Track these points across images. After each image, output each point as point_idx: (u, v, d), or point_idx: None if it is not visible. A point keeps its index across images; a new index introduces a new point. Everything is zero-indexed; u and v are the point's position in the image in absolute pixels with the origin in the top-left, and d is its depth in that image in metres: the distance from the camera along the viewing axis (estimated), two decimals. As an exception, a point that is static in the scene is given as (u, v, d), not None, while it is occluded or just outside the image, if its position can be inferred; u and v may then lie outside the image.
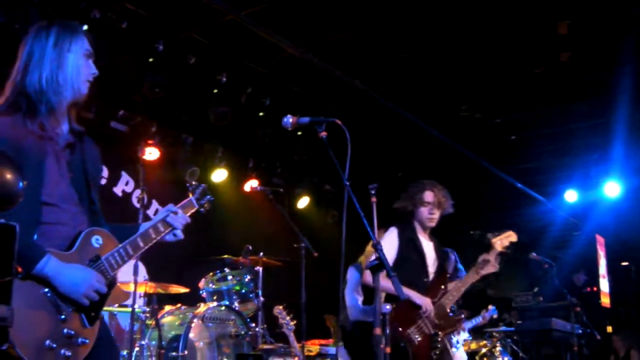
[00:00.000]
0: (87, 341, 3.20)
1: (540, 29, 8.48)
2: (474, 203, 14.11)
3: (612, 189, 12.86)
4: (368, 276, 6.25)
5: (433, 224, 6.72)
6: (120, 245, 3.45)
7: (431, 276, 6.56)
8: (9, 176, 2.65)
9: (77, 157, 3.47)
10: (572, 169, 13.01)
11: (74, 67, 3.43)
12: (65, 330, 3.11)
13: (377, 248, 3.83)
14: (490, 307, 9.44)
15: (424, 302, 6.26)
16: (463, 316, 6.69)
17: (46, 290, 3.10)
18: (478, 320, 9.06)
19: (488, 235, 6.76)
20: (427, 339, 6.24)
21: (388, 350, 5.18)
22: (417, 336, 6.18)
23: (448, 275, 6.71)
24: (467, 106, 10.84)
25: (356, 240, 6.83)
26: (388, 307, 5.49)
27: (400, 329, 6.10)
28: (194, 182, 4.01)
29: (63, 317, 3.12)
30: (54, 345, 3.04)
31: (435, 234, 6.86)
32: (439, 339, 6.26)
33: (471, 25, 8.43)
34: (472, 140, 11.86)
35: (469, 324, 8.92)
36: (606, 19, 8.26)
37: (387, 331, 5.43)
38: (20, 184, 2.70)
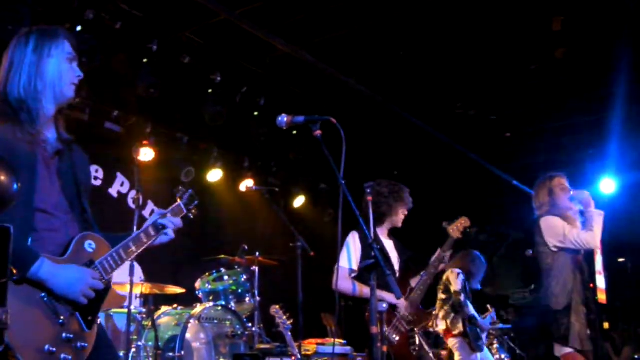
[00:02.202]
0: (86, 345, 3.20)
1: (534, 26, 8.48)
2: (469, 200, 14.11)
3: (608, 185, 12.86)
4: (339, 282, 6.23)
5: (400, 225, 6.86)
6: (113, 249, 3.44)
7: (397, 274, 6.62)
8: (3, 178, 2.63)
9: (66, 165, 3.45)
10: (567, 165, 13.00)
11: (55, 72, 3.42)
12: (64, 335, 3.10)
13: (373, 247, 3.83)
14: (491, 310, 9.41)
15: (398, 302, 6.30)
16: (433, 309, 6.82)
17: (43, 294, 3.08)
18: (489, 319, 9.06)
19: (443, 224, 6.86)
20: (404, 338, 6.29)
21: (385, 348, 5.20)
22: (394, 336, 6.22)
23: (412, 273, 6.80)
24: (461, 103, 10.84)
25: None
26: (385, 305, 5.51)
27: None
28: (180, 188, 4.01)
29: (61, 321, 3.11)
30: (54, 350, 3.02)
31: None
32: (415, 335, 6.33)
33: (466, 22, 8.42)
34: (468, 138, 11.87)
35: (488, 322, 8.97)
36: (600, 15, 8.26)
37: (385, 329, 5.46)
38: (15, 186, 2.68)
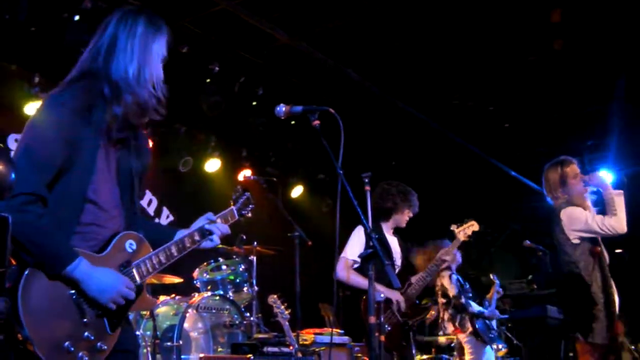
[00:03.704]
0: (106, 347, 3.13)
1: (533, 17, 8.47)
2: (467, 191, 14.11)
3: (606, 177, 12.86)
4: (341, 271, 6.42)
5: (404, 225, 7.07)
6: (153, 252, 3.37)
7: (397, 269, 6.73)
8: (0, 167, 2.62)
9: (126, 154, 3.35)
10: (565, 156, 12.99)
11: (154, 69, 3.38)
12: (85, 334, 3.05)
13: (372, 237, 3.84)
14: (494, 282, 9.46)
15: (393, 294, 6.39)
16: (430, 305, 6.92)
17: (73, 292, 3.03)
18: (493, 306, 9.10)
19: (451, 226, 6.93)
20: (396, 329, 6.39)
21: (382, 338, 5.23)
22: (386, 326, 6.31)
23: (412, 270, 6.93)
24: (459, 95, 10.83)
25: (350, 228, 6.88)
26: (382, 295, 5.55)
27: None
28: (238, 188, 3.96)
29: (85, 320, 3.06)
30: (72, 349, 2.97)
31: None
32: (408, 327, 6.44)
33: (464, 13, 8.41)
34: (466, 129, 11.87)
35: (493, 307, 9.03)
36: (599, 6, 8.24)
37: (382, 319, 5.49)
38: (13, 176, 2.67)
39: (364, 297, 6.22)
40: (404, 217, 6.96)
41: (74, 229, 3.11)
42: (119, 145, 3.30)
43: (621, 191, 6.35)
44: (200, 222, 3.61)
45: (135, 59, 3.28)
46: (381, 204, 6.84)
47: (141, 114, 3.31)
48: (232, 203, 3.88)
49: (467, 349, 8.60)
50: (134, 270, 3.28)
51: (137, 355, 3.51)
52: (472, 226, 6.92)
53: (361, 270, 6.50)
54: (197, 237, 3.55)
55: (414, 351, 6.76)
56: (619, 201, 6.25)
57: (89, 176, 3.14)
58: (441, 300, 8.76)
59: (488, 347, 8.58)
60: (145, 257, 3.33)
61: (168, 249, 3.43)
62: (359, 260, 6.49)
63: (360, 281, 6.36)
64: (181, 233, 3.55)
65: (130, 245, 3.30)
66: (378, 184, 7.03)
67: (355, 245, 6.64)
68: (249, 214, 3.97)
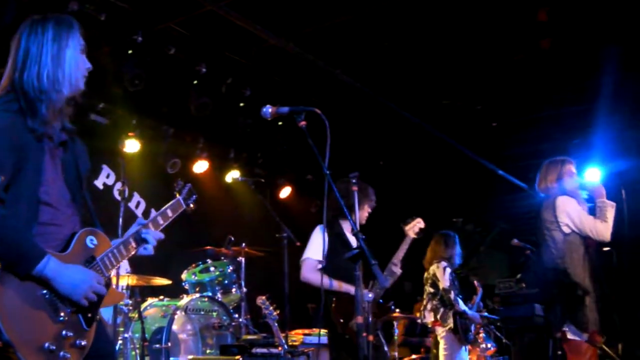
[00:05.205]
0: (85, 343, 3.19)
1: (520, 16, 8.49)
2: (455, 191, 14.13)
3: (593, 174, 12.90)
4: (308, 273, 6.34)
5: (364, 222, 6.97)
6: (114, 246, 3.44)
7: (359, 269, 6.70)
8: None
9: (69, 156, 3.42)
10: (552, 155, 12.97)
11: (71, 63, 3.38)
12: (64, 332, 3.09)
13: (358, 237, 3.85)
14: (478, 290, 9.55)
15: (370, 295, 6.39)
16: (392, 305, 6.98)
17: (45, 291, 3.06)
18: (474, 309, 9.16)
19: (401, 224, 6.94)
20: (371, 328, 6.41)
21: (371, 338, 5.23)
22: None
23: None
24: (448, 96, 10.84)
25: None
26: (370, 295, 5.54)
27: (342, 320, 6.13)
28: (179, 182, 4.04)
29: (62, 319, 3.09)
30: (54, 348, 3.01)
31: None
32: (376, 327, 6.45)
33: (451, 12, 8.42)
34: (453, 128, 11.88)
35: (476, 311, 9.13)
36: (586, 6, 8.27)
37: (370, 320, 5.49)
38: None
39: (334, 299, 6.17)
40: (363, 214, 6.86)
41: (34, 229, 3.14)
42: (60, 148, 3.38)
43: (614, 204, 6.44)
44: (134, 228, 3.64)
45: (46, 65, 3.30)
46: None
47: (55, 116, 3.34)
48: (177, 194, 3.97)
49: (443, 345, 8.63)
50: (100, 265, 3.34)
51: (114, 357, 3.57)
52: (419, 223, 6.90)
53: (326, 270, 6.43)
54: (133, 244, 3.58)
55: (386, 348, 6.77)
56: (611, 211, 6.37)
57: (39, 180, 3.19)
58: (429, 289, 8.80)
59: (463, 348, 8.64)
60: (108, 250, 3.41)
61: (127, 241, 3.53)
62: (322, 260, 6.43)
63: (333, 284, 6.27)
64: (115, 242, 3.56)
65: (90, 240, 3.36)
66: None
67: (318, 245, 6.56)
68: (192, 205, 4.08)
